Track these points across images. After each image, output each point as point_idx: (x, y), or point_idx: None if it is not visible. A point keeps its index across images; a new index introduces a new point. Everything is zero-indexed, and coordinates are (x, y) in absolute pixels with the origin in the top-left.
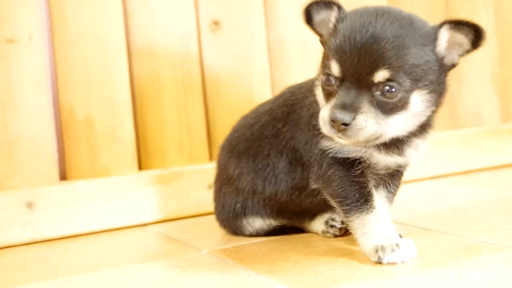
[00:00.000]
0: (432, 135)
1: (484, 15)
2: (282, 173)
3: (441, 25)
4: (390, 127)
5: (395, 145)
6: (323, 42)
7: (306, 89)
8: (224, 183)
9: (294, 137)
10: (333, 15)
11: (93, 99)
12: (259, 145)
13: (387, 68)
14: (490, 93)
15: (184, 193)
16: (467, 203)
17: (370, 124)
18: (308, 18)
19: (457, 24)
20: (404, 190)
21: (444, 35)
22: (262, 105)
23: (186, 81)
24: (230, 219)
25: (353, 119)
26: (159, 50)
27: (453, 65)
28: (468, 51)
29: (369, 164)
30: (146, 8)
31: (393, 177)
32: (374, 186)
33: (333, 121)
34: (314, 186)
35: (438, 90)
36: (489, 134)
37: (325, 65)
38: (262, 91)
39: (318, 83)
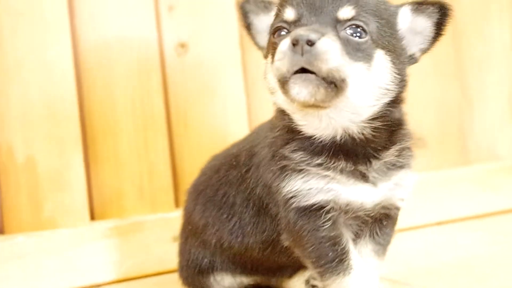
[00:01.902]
0: (417, 160)
1: (498, 33)
2: (249, 225)
3: (402, 5)
4: (353, 74)
5: (360, 160)
6: (266, 56)
7: (267, 127)
8: (190, 235)
9: (258, 184)
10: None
11: (36, 138)
12: (225, 192)
13: (353, 5)
14: (507, 123)
15: (145, 248)
16: (477, 255)
17: (335, 50)
18: (246, 21)
19: (420, 4)
20: (402, 239)
21: (405, 17)
22: (234, 144)
23: (147, 114)
24: (195, 276)
25: (319, 39)
26: (115, 77)
27: (412, 59)
28: (431, 41)
29: (340, 207)
30: (98, 27)
31: (381, 223)
32: (356, 236)
33: (294, 44)
34: (285, 243)
35: (400, 71)
36: (506, 171)
37: (272, 47)
38: (237, 125)
39: (267, 69)
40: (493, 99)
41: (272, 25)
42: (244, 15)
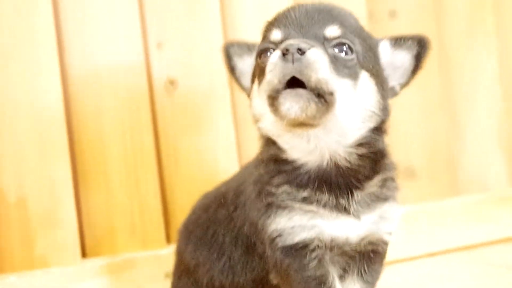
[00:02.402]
0: (405, 192)
1: (486, 64)
2: (239, 264)
3: (381, 39)
4: (340, 89)
5: (342, 192)
6: (249, 96)
7: (252, 164)
8: (182, 274)
9: (245, 223)
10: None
11: (27, 178)
12: (214, 231)
13: (339, 25)
14: (496, 153)
15: (137, 285)
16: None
17: (325, 61)
18: (230, 63)
19: (398, 40)
20: (393, 271)
21: (385, 50)
22: (224, 182)
23: (137, 151)
24: None
25: (309, 49)
26: (105, 115)
27: (393, 91)
28: (411, 75)
29: (325, 244)
30: (88, 65)
31: (369, 259)
32: (344, 272)
33: (285, 54)
34: (274, 282)
35: (384, 98)
36: (496, 201)
37: (259, 69)
38: (227, 161)
39: (253, 95)
40: (482, 129)
41: (258, 47)
42: (228, 57)
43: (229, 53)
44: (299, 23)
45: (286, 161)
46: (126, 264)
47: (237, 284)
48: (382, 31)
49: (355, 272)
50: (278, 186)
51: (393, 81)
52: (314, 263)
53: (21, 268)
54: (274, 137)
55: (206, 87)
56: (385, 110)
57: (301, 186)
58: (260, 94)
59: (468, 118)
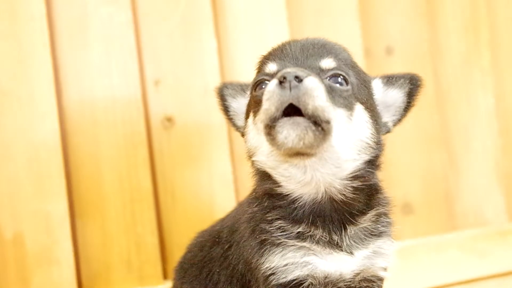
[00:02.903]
0: (394, 228)
1: (482, 98)
2: None
3: (374, 78)
4: (337, 119)
5: (335, 227)
6: (243, 134)
7: (246, 202)
8: None
9: (240, 261)
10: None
11: (24, 215)
12: (209, 270)
13: (334, 58)
14: (493, 188)
15: None
16: None
17: (321, 89)
18: (224, 104)
19: (390, 78)
20: None
21: (377, 88)
22: (219, 220)
23: (134, 188)
24: None
25: (306, 77)
26: (102, 154)
27: (385, 127)
28: (403, 112)
29: (318, 281)
30: (85, 103)
31: None
32: None
33: (282, 82)
34: None
35: (377, 131)
36: (493, 236)
37: (254, 101)
38: (224, 198)
39: (246, 134)
40: (479, 163)
41: (253, 80)
42: (222, 98)
43: (222, 94)
44: (294, 56)
45: (280, 195)
46: None
47: None
48: (378, 67)
49: None
50: (272, 221)
51: (386, 117)
52: None
53: None
54: (269, 170)
55: (203, 124)
56: (379, 144)
57: (295, 221)
58: (256, 126)
59: (465, 153)
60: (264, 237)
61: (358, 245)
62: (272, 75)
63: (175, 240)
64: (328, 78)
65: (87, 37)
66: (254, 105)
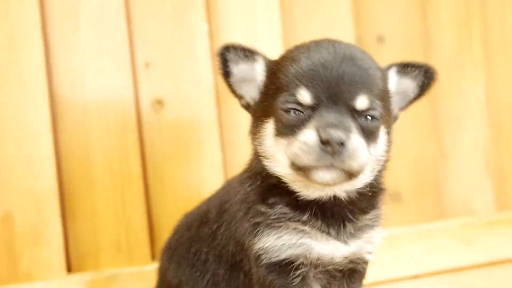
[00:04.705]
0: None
1: (473, 91)
2: (223, 282)
3: (389, 67)
4: (369, 160)
5: (334, 222)
6: (245, 106)
7: (237, 182)
8: None
9: (230, 241)
10: (258, 67)
11: (13, 195)
12: (197, 249)
13: (367, 94)
14: (482, 178)
15: None
16: None
17: (363, 147)
18: (225, 69)
19: (405, 67)
20: None
21: (392, 79)
22: (204, 200)
23: (124, 171)
24: None
25: (348, 138)
26: (92, 136)
27: (395, 119)
28: (411, 101)
29: (310, 262)
30: (75, 85)
31: (349, 279)
32: None
33: (325, 143)
34: None
35: (391, 137)
36: (480, 225)
37: (279, 121)
38: (212, 182)
39: (262, 134)
40: (469, 154)
41: (281, 100)
42: (224, 63)
43: (225, 59)
44: (328, 87)
45: (285, 188)
46: (111, 279)
47: None
48: None
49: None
50: (272, 205)
51: (396, 107)
52: (298, 280)
53: (7, 282)
54: (285, 179)
55: (193, 107)
56: (390, 147)
57: (296, 209)
58: (277, 142)
59: (455, 144)
60: (259, 219)
61: (353, 237)
62: (304, 107)
63: (164, 223)
64: (362, 118)
65: (78, 21)
66: (280, 124)
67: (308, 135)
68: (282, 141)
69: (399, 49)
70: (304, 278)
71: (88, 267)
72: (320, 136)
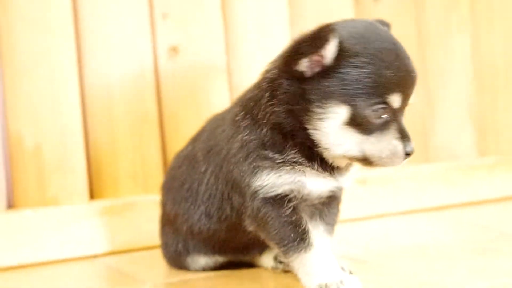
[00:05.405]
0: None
1: (459, 44)
2: (214, 215)
3: None
4: None
5: (329, 168)
6: (301, 78)
7: (229, 128)
8: (166, 223)
9: (219, 181)
10: (331, 47)
11: (43, 129)
12: (189, 186)
13: None
14: (465, 126)
15: (137, 225)
16: (431, 241)
17: None
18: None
19: None
20: (367, 225)
21: None
22: (191, 140)
23: (142, 111)
24: (175, 257)
25: None
26: (113, 79)
27: None
28: None
29: (302, 196)
30: (99, 34)
31: (328, 205)
32: (309, 219)
33: (407, 155)
34: (250, 228)
35: None
36: (463, 168)
37: (347, 96)
38: None
39: (324, 116)
40: (454, 103)
41: (372, 102)
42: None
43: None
44: (408, 94)
45: (306, 145)
46: (127, 206)
47: (213, 231)
48: (367, 15)
49: (318, 217)
50: (283, 152)
51: None
52: (290, 211)
53: (36, 205)
54: (329, 153)
55: (204, 54)
56: None
57: (306, 158)
58: (348, 135)
59: (441, 93)
60: (260, 163)
61: (341, 175)
62: (392, 111)
63: None
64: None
65: None
66: (360, 118)
67: (398, 147)
68: (358, 135)
69: (394, 7)
70: (294, 209)
71: (108, 195)
72: (405, 150)
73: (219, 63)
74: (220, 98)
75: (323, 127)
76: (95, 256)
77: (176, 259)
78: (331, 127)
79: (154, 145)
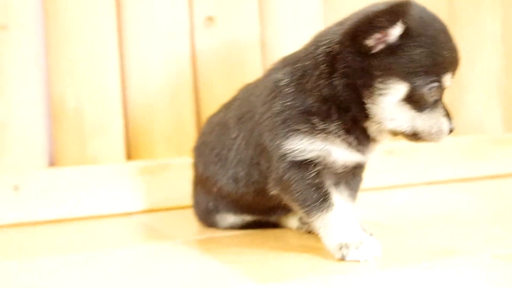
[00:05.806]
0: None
1: (490, 23)
2: (243, 179)
3: None
4: None
5: (364, 141)
6: (367, 53)
7: (273, 89)
8: (198, 183)
9: (249, 147)
10: (397, 27)
11: (84, 92)
12: (219, 152)
13: None
14: (493, 102)
15: (170, 185)
16: (455, 211)
17: None
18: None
19: None
20: (395, 194)
21: None
22: (223, 107)
23: (178, 77)
24: (205, 215)
25: None
26: (151, 44)
27: None
28: None
29: (326, 163)
30: (139, 1)
31: (353, 174)
32: (334, 185)
33: (450, 131)
34: (273, 192)
35: None
36: (490, 142)
37: (408, 75)
38: None
39: (384, 92)
40: (483, 81)
41: (430, 80)
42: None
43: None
44: (454, 75)
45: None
46: (162, 167)
47: (241, 194)
48: None
49: (343, 183)
50: (327, 120)
51: None
52: (314, 174)
53: (76, 163)
54: (379, 126)
55: (239, 24)
56: None
57: (347, 130)
58: (403, 110)
59: (471, 71)
60: (297, 127)
61: (369, 151)
62: (442, 89)
63: None
64: None
65: None
66: (417, 96)
67: (444, 124)
68: (412, 111)
69: None
70: (318, 173)
71: (143, 156)
72: (449, 127)
73: (253, 36)
74: (254, 69)
75: (382, 102)
76: (130, 214)
77: (206, 217)
78: (389, 102)
79: (189, 111)
